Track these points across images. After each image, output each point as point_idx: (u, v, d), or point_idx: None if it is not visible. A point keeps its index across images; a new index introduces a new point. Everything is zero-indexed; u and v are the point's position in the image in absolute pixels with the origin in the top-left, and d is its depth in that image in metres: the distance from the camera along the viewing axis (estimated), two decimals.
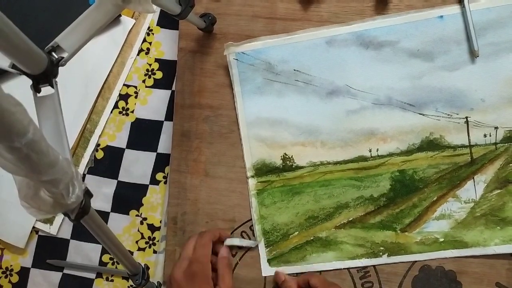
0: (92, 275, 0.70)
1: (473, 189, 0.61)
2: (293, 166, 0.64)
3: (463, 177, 0.61)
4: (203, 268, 0.58)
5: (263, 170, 0.64)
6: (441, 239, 0.60)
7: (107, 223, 0.70)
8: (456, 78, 0.62)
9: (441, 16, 0.63)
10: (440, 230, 0.61)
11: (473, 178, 0.61)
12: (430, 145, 0.63)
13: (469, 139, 0.62)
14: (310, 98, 0.63)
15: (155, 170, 0.70)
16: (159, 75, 0.72)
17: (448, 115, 0.62)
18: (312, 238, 0.62)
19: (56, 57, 0.43)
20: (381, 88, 0.63)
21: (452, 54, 0.62)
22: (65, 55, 0.43)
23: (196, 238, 0.61)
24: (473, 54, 0.61)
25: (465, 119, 0.62)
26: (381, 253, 0.61)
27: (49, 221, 0.71)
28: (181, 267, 0.58)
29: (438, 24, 0.63)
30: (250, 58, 0.63)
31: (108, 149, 0.71)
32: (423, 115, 0.62)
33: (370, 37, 0.64)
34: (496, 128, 0.61)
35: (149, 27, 0.73)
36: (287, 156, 0.63)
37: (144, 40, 0.73)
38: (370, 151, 0.63)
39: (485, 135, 0.62)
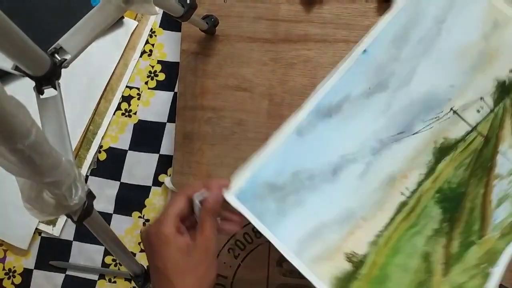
0: (95, 277, 0.70)
1: (505, 160, 0.60)
2: (360, 260, 0.62)
3: (489, 157, 0.61)
4: (157, 226, 0.48)
5: (343, 283, 0.62)
6: None
7: (109, 225, 0.70)
8: (416, 85, 0.62)
9: (364, 51, 0.63)
10: (508, 213, 0.60)
11: (498, 151, 0.61)
12: (442, 152, 0.62)
13: (468, 124, 0.62)
14: (324, 189, 0.62)
15: (158, 172, 0.71)
16: (161, 76, 0.72)
17: (436, 118, 0.62)
18: None
19: (59, 59, 0.43)
20: (367, 138, 0.62)
21: (397, 71, 0.63)
22: (68, 57, 0.43)
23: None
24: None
25: (451, 111, 0.62)
26: (487, 270, 0.60)
27: (52, 223, 0.71)
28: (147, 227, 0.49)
29: (367, 58, 0.63)
30: (250, 190, 0.62)
31: (110, 151, 0.71)
32: (417, 133, 0.62)
33: (326, 106, 0.63)
34: (481, 98, 0.61)
35: (151, 29, 0.73)
36: (349, 254, 0.62)
37: (147, 42, 0.73)
38: (402, 193, 0.62)
39: (478, 111, 0.61)
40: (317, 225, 0.61)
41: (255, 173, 0.61)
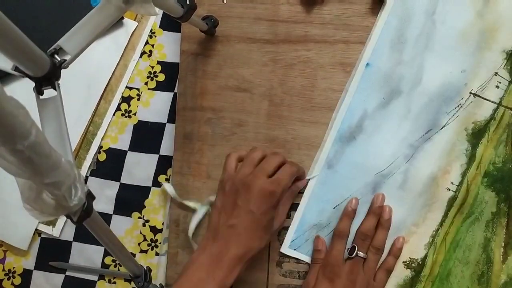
0: (94, 277, 0.70)
1: None
2: (419, 263, 0.62)
3: None
4: (280, 194, 0.55)
5: None
6: None
7: (109, 225, 0.70)
8: (428, 81, 0.62)
9: (367, 64, 0.63)
10: None
11: None
12: (476, 136, 0.61)
13: (492, 102, 0.61)
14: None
15: (158, 172, 0.71)
16: (161, 77, 0.72)
17: (458, 106, 0.62)
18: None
19: (59, 59, 0.43)
20: (397, 148, 0.63)
21: (405, 74, 0.63)
22: (67, 57, 0.43)
23: (280, 158, 0.58)
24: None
25: (471, 95, 0.61)
26: None
27: (52, 223, 0.71)
28: (260, 180, 0.55)
29: (372, 71, 0.63)
30: (300, 237, 0.64)
31: (110, 152, 0.71)
32: (445, 126, 0.62)
33: (347, 130, 0.63)
34: (496, 73, 0.61)
35: (151, 30, 0.73)
36: (407, 261, 0.62)
37: (147, 43, 0.73)
38: (448, 189, 0.62)
39: (497, 86, 0.61)
40: None
41: (300, 220, 0.63)
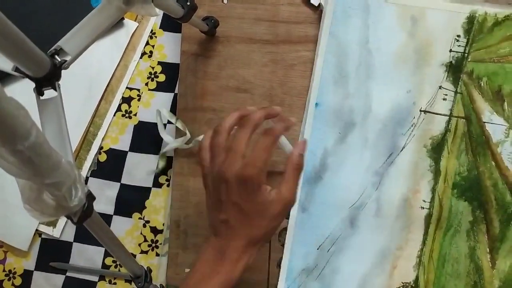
0: (95, 278, 0.70)
1: (495, 126, 0.62)
2: (413, 286, 0.62)
3: (479, 131, 0.62)
4: (258, 175, 0.49)
5: None
6: None
7: (110, 226, 0.70)
8: (378, 108, 0.63)
9: (316, 104, 0.64)
10: None
11: (483, 122, 0.62)
12: (436, 151, 0.63)
13: (443, 115, 0.62)
14: (350, 245, 0.63)
15: (158, 173, 0.70)
16: (162, 78, 0.72)
17: (412, 125, 0.63)
18: None
19: (59, 60, 0.43)
20: (364, 178, 0.63)
21: (354, 105, 0.64)
22: (68, 58, 0.43)
23: (249, 130, 0.51)
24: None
25: (422, 113, 0.63)
26: None
27: (52, 224, 0.71)
28: (234, 167, 0.49)
29: (322, 109, 0.64)
30: (292, 285, 0.63)
31: (111, 152, 0.71)
32: (404, 147, 0.63)
33: (312, 171, 0.64)
34: (440, 86, 0.63)
35: (152, 30, 0.73)
36: (402, 285, 0.62)
37: (147, 43, 0.73)
38: (422, 207, 0.62)
39: (444, 99, 0.62)
40: (361, 278, 0.63)
41: (288, 268, 0.63)
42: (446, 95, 0.62)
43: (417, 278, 0.61)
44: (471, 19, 0.62)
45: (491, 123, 0.62)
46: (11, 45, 0.34)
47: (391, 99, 0.63)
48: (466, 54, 0.62)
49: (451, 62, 0.63)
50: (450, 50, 0.63)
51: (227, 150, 0.51)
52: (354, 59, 0.63)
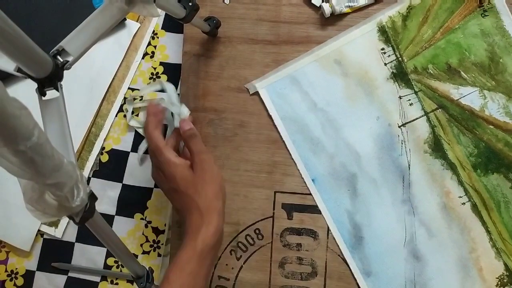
0: (97, 278, 0.70)
1: (467, 99, 0.63)
2: (508, 273, 0.62)
3: (459, 110, 0.63)
4: (157, 158, 0.58)
5: None
6: None
7: (111, 226, 0.70)
8: (363, 147, 0.65)
9: (313, 180, 0.65)
10: None
11: (458, 101, 0.63)
12: (438, 149, 0.63)
13: (419, 117, 0.64)
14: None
15: None
16: (164, 78, 0.72)
17: (402, 143, 0.64)
18: None
19: (61, 60, 0.43)
20: (397, 211, 0.64)
21: (344, 159, 0.65)
22: (70, 58, 0.44)
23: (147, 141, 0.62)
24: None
25: (401, 127, 0.64)
26: None
27: (54, 224, 0.71)
28: (155, 173, 0.60)
29: (320, 180, 0.65)
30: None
31: (113, 152, 0.71)
32: (409, 165, 0.64)
33: (350, 237, 0.64)
34: (400, 97, 0.64)
35: (154, 31, 0.73)
36: (501, 276, 0.62)
37: (149, 44, 0.73)
38: (463, 204, 0.63)
39: (411, 104, 0.64)
40: None
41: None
42: (409, 100, 0.64)
43: (505, 265, 0.62)
44: (382, 30, 0.65)
45: (464, 96, 0.63)
46: (13, 45, 0.34)
47: (369, 134, 0.65)
48: (400, 58, 0.64)
49: (393, 72, 0.65)
50: (385, 64, 0.65)
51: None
52: (315, 124, 0.65)
